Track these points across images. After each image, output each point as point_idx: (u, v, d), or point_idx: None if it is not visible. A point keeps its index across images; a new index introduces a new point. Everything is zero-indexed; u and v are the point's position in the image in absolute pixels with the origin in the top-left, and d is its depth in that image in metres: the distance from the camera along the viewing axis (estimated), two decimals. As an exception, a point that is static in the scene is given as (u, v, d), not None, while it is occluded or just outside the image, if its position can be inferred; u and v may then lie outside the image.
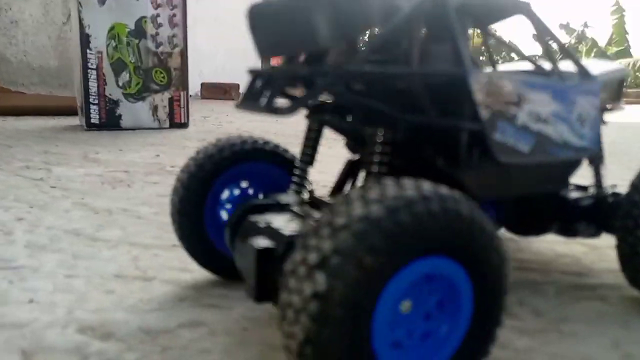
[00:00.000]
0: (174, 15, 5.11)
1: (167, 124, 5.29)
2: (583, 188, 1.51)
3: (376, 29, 1.00)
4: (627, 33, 20.68)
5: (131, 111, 5.11)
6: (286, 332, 0.78)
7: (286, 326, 0.78)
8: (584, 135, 1.28)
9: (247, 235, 1.08)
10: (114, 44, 4.93)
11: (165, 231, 1.93)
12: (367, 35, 1.13)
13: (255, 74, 1.10)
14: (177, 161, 3.47)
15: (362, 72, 0.98)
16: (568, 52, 1.25)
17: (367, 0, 0.95)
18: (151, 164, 3.35)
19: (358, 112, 1.07)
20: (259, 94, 1.05)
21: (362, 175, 1.27)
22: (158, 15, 5.03)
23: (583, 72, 1.26)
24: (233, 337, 1.18)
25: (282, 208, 1.20)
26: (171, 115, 5.30)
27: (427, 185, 0.81)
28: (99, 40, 4.86)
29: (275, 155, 1.42)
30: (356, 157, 1.32)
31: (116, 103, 5.04)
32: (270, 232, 1.03)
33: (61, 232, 1.89)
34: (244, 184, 1.44)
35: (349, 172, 1.30)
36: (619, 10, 20.59)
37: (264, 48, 1.06)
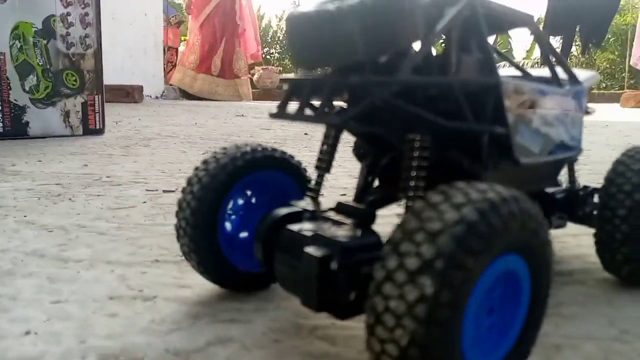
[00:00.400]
0: (86, 14, 4.81)
1: (80, 131, 4.96)
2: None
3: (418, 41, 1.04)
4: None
5: (40, 118, 4.73)
6: (382, 337, 0.81)
7: (382, 332, 0.81)
8: (574, 136, 1.44)
9: (294, 246, 1.08)
10: (18, 45, 4.52)
11: (138, 247, 1.85)
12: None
13: (295, 83, 1.10)
14: (110, 171, 3.29)
15: (417, 81, 1.02)
16: (562, 61, 1.40)
17: (408, 14, 0.99)
18: (83, 175, 3.14)
19: (397, 119, 1.11)
20: (305, 103, 1.06)
21: (386, 179, 1.31)
22: (68, 14, 4.71)
23: (573, 79, 1.41)
24: (268, 350, 1.17)
25: (312, 216, 1.21)
26: (85, 121, 4.98)
27: (500, 188, 0.87)
28: (1, 41, 4.44)
29: (284, 163, 1.42)
30: (371, 161, 1.36)
31: (22, 109, 4.64)
32: (322, 240, 1.04)
33: (21, 255, 1.73)
34: (252, 193, 1.43)
35: (369, 177, 1.33)
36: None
37: (303, 59, 1.07)
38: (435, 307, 0.77)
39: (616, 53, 19.66)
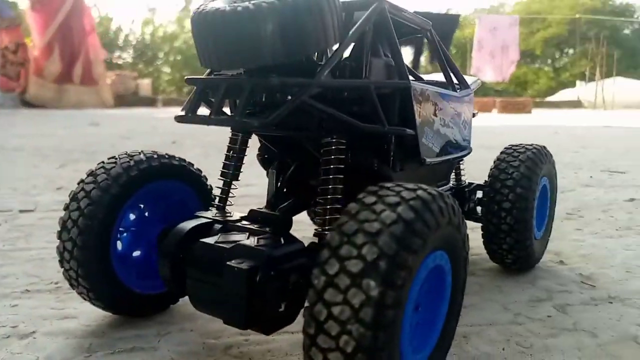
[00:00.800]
0: None
1: None
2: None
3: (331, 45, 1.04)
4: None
5: None
6: (325, 346, 0.78)
7: (325, 341, 0.78)
8: (466, 137, 1.54)
9: (211, 260, 1.00)
10: None
11: (1, 276, 1.61)
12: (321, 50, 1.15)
13: (206, 83, 1.04)
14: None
15: (336, 84, 1.02)
16: (454, 67, 1.49)
17: (320, 17, 0.98)
18: None
19: (313, 123, 1.10)
20: (219, 105, 1.00)
21: (298, 183, 1.29)
22: None
23: (464, 84, 1.52)
24: None
25: (225, 227, 1.15)
26: None
27: (425, 186, 0.90)
28: None
29: (182, 171, 1.33)
30: (279, 167, 1.33)
31: None
32: (244, 251, 0.98)
33: None
34: (145, 206, 1.31)
35: (279, 183, 1.30)
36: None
37: (210, 60, 1.00)
38: (381, 309, 0.76)
39: (457, 63, 21.92)
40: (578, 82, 26.46)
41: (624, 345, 1.22)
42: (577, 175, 3.75)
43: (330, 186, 1.09)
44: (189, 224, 1.14)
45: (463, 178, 1.79)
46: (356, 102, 1.10)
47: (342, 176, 1.10)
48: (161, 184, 1.29)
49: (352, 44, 1.11)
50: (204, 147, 4.99)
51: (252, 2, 0.95)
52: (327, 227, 1.08)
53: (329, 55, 1.13)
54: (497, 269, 1.72)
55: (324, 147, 1.10)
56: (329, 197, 1.09)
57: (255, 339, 1.22)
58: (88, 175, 1.23)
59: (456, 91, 1.45)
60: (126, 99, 15.56)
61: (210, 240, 1.05)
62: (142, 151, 1.30)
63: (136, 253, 1.31)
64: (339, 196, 1.09)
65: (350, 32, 1.06)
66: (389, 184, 0.90)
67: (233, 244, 1.01)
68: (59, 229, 1.21)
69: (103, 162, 1.25)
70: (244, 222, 1.17)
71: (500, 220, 1.58)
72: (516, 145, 1.70)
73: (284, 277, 0.96)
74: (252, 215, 1.19)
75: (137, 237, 1.30)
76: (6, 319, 1.32)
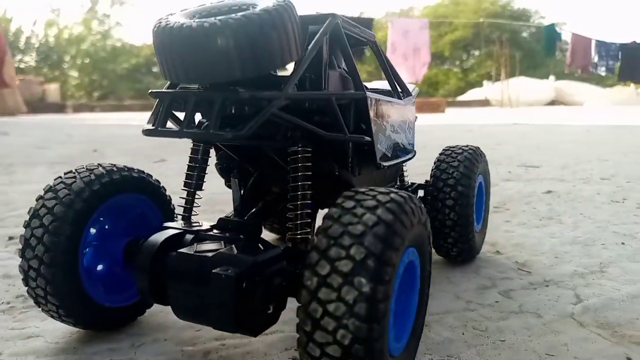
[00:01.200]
0: None
1: None
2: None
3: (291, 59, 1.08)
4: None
5: None
6: (322, 341, 0.84)
7: (322, 336, 0.84)
8: (411, 141, 1.66)
9: (194, 270, 1.03)
10: None
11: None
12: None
13: (174, 96, 1.05)
14: None
15: (302, 96, 1.08)
16: (397, 75, 1.60)
17: (284, 33, 1.03)
18: None
19: (279, 133, 1.14)
20: (190, 118, 1.02)
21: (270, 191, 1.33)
22: None
23: (407, 91, 1.63)
24: None
25: (197, 236, 1.17)
26: None
27: (394, 190, 0.99)
28: None
29: (142, 183, 1.32)
30: (241, 176, 1.36)
31: None
32: (227, 259, 1.02)
33: None
34: (106, 220, 1.30)
35: (242, 191, 1.33)
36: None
37: (176, 74, 1.02)
38: (373, 303, 0.83)
39: (373, 66, 22.61)
40: (485, 82, 28.19)
41: (565, 322, 1.37)
42: (497, 170, 4.04)
43: (299, 192, 1.15)
44: (161, 236, 1.15)
45: (406, 179, 1.91)
46: (318, 113, 1.17)
47: (310, 182, 1.15)
48: (123, 197, 1.28)
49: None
50: (130, 155, 4.84)
51: (218, 17, 0.98)
52: (299, 232, 1.14)
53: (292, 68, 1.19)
54: (443, 261, 1.85)
55: (291, 155, 1.15)
56: (298, 202, 1.14)
57: (232, 342, 1.25)
58: (47, 192, 1.20)
59: (401, 99, 1.56)
60: (33, 105, 14.62)
61: (188, 250, 1.07)
62: (99, 164, 1.28)
63: (101, 267, 1.29)
64: (309, 201, 1.15)
65: (310, 46, 1.11)
66: (362, 189, 0.97)
67: (214, 253, 1.04)
68: (21, 247, 1.17)
69: (61, 177, 1.23)
70: (214, 230, 1.20)
71: (444, 216, 1.71)
72: (453, 147, 1.84)
73: (268, 280, 1.01)
74: (222, 224, 1.22)
75: (101, 251, 1.28)
76: (-41, 346, 1.26)
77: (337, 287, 0.84)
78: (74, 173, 1.23)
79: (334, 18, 1.21)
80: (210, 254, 1.04)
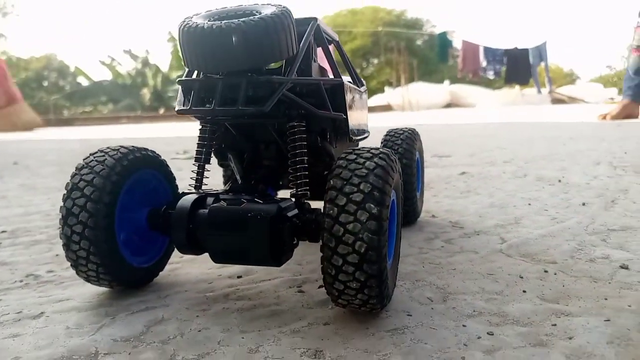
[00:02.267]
0: None
1: None
2: None
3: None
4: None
5: None
6: (344, 252, 1.17)
7: (343, 248, 1.17)
8: (366, 123, 2.03)
9: (230, 219, 1.31)
10: None
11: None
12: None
13: (202, 83, 1.34)
14: None
15: (301, 80, 1.40)
16: (354, 70, 1.97)
17: (286, 32, 1.35)
18: None
19: (280, 111, 1.45)
20: (220, 99, 1.31)
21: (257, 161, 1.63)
22: None
23: (361, 82, 2.00)
24: (206, 316, 1.34)
25: (218, 197, 1.44)
26: None
27: (379, 148, 1.34)
28: None
29: (155, 161, 1.57)
30: (238, 153, 1.65)
31: None
32: (256, 207, 1.31)
33: None
34: (134, 192, 1.52)
35: (241, 165, 1.62)
36: (173, 39, 23.69)
37: (198, 65, 1.29)
38: (380, 221, 1.17)
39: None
40: (386, 88, 29.68)
41: (496, 255, 1.79)
42: (415, 161, 4.56)
43: (298, 158, 1.46)
44: (190, 198, 1.42)
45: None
46: (307, 95, 1.49)
47: (306, 150, 1.48)
48: (143, 172, 1.52)
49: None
50: (56, 165, 4.82)
51: (232, 20, 1.29)
52: (300, 189, 1.45)
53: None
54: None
55: (290, 129, 1.46)
56: (298, 166, 1.46)
57: (245, 286, 1.53)
58: (82, 168, 1.41)
59: (359, 87, 1.94)
60: None
61: (219, 205, 1.36)
62: (121, 145, 1.52)
63: (128, 233, 1.51)
64: (305, 165, 1.47)
65: (302, 43, 1.45)
66: (357, 149, 1.32)
67: (243, 203, 1.34)
68: (63, 216, 1.38)
69: (93, 155, 1.45)
70: (230, 193, 1.49)
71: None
72: (395, 129, 2.24)
73: (290, 221, 1.32)
74: (235, 188, 1.51)
75: (128, 219, 1.50)
76: (8, 307, 1.43)
77: (353, 212, 1.18)
78: (103, 152, 1.46)
79: (315, 21, 1.55)
80: (239, 206, 1.33)
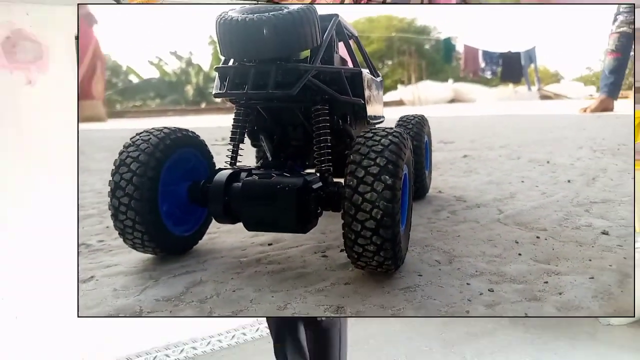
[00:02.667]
0: None
1: None
2: None
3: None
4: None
5: None
6: (362, 219, 1.11)
7: (362, 215, 1.11)
8: (382, 109, 1.96)
9: (262, 191, 1.25)
10: None
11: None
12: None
13: (237, 69, 1.29)
14: None
15: (325, 68, 1.34)
16: (372, 62, 1.89)
17: (312, 25, 1.28)
18: None
19: (306, 96, 1.39)
20: (253, 83, 1.26)
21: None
22: None
23: (377, 74, 1.93)
24: (240, 279, 1.30)
25: (250, 173, 1.39)
26: None
27: (393, 128, 1.27)
28: None
29: (195, 141, 1.52)
30: (268, 135, 1.59)
31: None
32: (286, 180, 1.25)
33: None
34: (175, 168, 1.48)
35: (271, 144, 1.57)
36: (213, 43, 23.51)
37: (232, 53, 1.25)
38: (393, 191, 1.11)
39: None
40: (399, 86, 29.22)
41: (495, 224, 1.72)
42: (422, 146, 4.46)
43: (322, 138, 1.40)
44: (225, 173, 1.37)
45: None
46: (330, 82, 1.42)
47: (329, 131, 1.41)
48: (183, 150, 1.47)
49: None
50: (109, 151, 4.80)
51: (263, 14, 1.23)
52: (324, 165, 1.38)
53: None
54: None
55: (315, 112, 1.40)
56: (322, 144, 1.39)
57: (275, 252, 1.49)
58: (128, 147, 1.36)
59: (376, 77, 1.86)
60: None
61: (252, 179, 1.31)
62: (165, 127, 1.47)
63: (170, 204, 1.46)
64: (329, 144, 1.41)
65: (325, 35, 1.39)
66: (373, 129, 1.25)
67: (273, 177, 1.28)
68: (111, 189, 1.32)
69: (139, 134, 1.40)
70: (261, 169, 1.44)
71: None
72: (407, 115, 2.16)
73: (316, 192, 1.27)
74: (266, 164, 1.46)
75: (170, 192, 1.45)
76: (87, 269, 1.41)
77: (370, 182, 1.12)
78: (148, 132, 1.41)
79: (337, 17, 1.48)
80: (270, 179, 1.28)
